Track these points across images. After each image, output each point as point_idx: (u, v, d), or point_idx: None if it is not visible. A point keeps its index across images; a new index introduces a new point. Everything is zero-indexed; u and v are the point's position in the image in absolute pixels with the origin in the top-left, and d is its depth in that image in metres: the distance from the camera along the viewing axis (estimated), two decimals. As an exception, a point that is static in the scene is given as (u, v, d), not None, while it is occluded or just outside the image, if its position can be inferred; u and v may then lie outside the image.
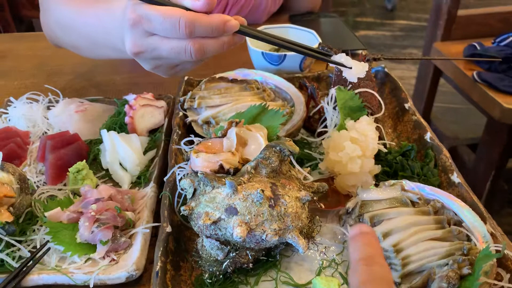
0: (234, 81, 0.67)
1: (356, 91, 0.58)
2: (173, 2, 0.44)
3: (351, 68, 0.51)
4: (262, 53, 0.71)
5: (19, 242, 0.46)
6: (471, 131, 2.03)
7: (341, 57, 0.52)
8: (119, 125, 0.63)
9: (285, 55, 0.70)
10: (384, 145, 0.55)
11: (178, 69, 0.51)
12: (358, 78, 0.61)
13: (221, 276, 0.42)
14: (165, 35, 0.44)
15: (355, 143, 0.51)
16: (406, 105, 0.63)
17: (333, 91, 0.58)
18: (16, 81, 0.78)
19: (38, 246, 0.46)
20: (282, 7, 1.04)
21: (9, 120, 0.63)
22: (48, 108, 0.66)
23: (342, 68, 0.52)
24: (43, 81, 0.78)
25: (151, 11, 0.43)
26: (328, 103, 0.58)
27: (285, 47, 0.50)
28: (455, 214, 0.45)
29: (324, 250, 0.46)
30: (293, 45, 0.50)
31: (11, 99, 0.65)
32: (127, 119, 0.61)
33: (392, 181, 0.49)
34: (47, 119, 0.63)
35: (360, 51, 0.70)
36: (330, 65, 0.67)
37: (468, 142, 1.83)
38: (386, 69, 0.71)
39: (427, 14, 3.28)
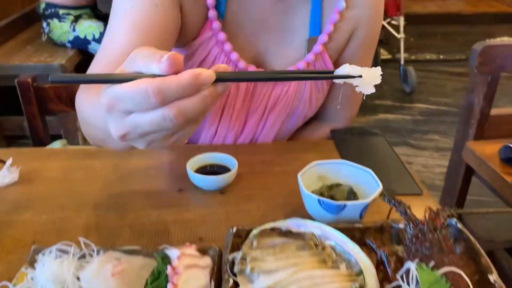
0: (288, 234, 0.60)
1: (441, 271, 0.50)
2: (143, 74, 0.41)
3: (361, 76, 0.46)
4: (319, 200, 0.64)
5: None
6: (508, 230, 1.92)
7: (344, 68, 0.47)
8: (160, 291, 0.55)
9: (345, 205, 0.63)
10: None
11: (174, 138, 0.46)
12: (439, 252, 0.54)
13: None
14: (140, 110, 0.41)
15: None
16: (491, 278, 0.55)
17: (411, 266, 0.51)
18: (44, 215, 0.71)
19: None
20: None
21: (32, 279, 0.55)
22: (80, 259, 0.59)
23: (350, 81, 0.47)
24: (73, 215, 0.71)
25: (120, 90, 0.40)
26: (408, 283, 0.50)
27: (275, 79, 0.50)
28: None
29: None
30: (283, 74, 0.47)
31: (40, 256, 0.58)
32: (169, 287, 0.53)
33: None
34: (78, 279, 0.55)
35: (428, 205, 0.63)
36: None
37: (506, 246, 1.72)
38: (458, 224, 0.63)
39: (446, 98, 3.29)
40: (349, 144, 0.92)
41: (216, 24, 0.82)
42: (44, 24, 2.47)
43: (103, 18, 2.55)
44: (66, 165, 0.85)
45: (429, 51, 4.05)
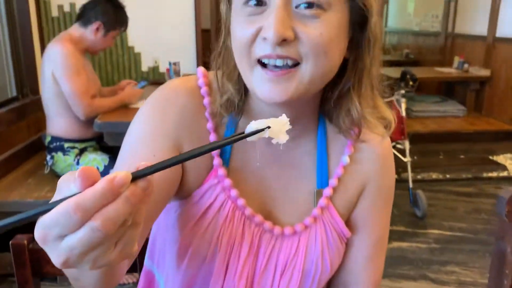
0: None
1: None
2: (66, 197, 0.41)
3: (269, 127, 0.50)
4: None
5: None
6: None
7: (251, 125, 0.50)
8: None
9: None
10: None
11: (118, 248, 0.44)
12: None
13: None
14: (69, 231, 0.41)
15: None
16: None
17: None
18: None
19: None
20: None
21: None
22: None
23: (261, 134, 0.50)
24: None
25: (46, 218, 0.41)
26: None
27: (187, 159, 0.47)
28: None
29: None
30: (194, 151, 0.46)
31: None
32: None
33: None
34: None
35: None
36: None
37: None
38: None
39: (460, 223, 3.16)
40: None
41: (222, 171, 0.80)
42: (48, 157, 2.43)
43: (109, 150, 2.52)
44: None
45: (434, 170, 4.02)
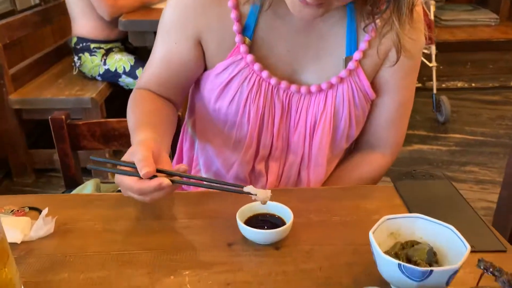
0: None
1: None
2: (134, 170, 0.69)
3: (256, 194, 0.69)
4: (399, 265, 0.55)
5: None
6: None
7: (248, 188, 0.70)
8: None
9: (431, 271, 0.54)
10: None
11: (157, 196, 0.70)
12: None
13: None
14: (133, 195, 0.71)
15: None
16: None
17: None
18: (82, 274, 0.64)
19: None
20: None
21: None
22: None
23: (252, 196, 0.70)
24: (114, 274, 0.64)
25: (124, 183, 0.70)
26: None
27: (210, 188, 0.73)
28: None
29: None
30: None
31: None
32: None
33: None
34: None
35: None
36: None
37: None
38: None
39: (482, 128, 3.16)
40: (411, 189, 0.84)
41: (244, 48, 0.85)
42: (76, 58, 2.48)
43: (134, 51, 2.55)
44: (104, 214, 0.78)
45: (460, 79, 3.93)
